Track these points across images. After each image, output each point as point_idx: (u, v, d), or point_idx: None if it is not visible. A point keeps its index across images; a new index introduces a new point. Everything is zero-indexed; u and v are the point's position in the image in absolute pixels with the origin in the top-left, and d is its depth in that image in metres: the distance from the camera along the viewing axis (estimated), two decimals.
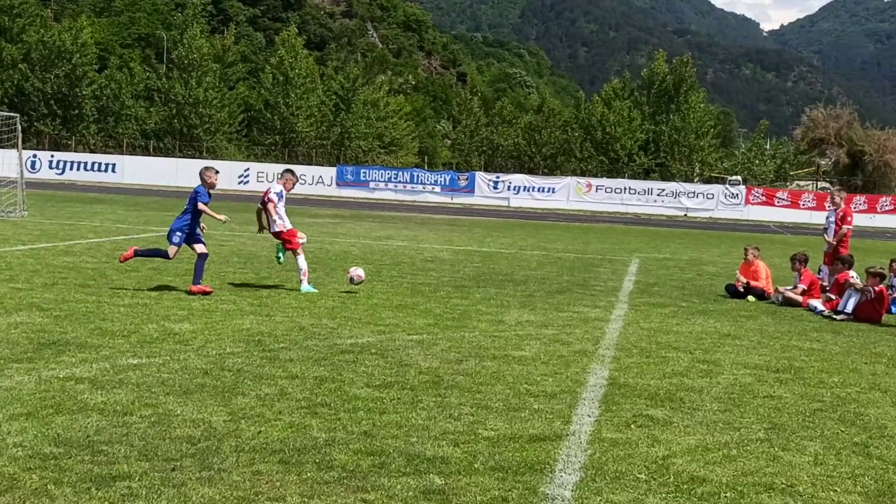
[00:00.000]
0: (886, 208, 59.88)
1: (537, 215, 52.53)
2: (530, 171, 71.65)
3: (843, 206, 18.17)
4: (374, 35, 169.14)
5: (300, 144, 77.54)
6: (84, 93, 76.49)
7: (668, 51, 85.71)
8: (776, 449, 7.18)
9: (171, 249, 14.17)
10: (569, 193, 61.41)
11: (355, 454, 6.53)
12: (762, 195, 61.53)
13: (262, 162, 71.51)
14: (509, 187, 62.68)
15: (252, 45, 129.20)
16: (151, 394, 7.87)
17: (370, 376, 9.00)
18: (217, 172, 14.73)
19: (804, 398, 9.02)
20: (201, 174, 14.49)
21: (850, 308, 14.90)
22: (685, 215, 59.46)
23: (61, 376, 8.30)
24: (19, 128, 29.85)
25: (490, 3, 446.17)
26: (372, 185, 63.76)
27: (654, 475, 6.40)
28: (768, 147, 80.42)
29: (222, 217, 14.56)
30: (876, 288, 14.90)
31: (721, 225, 52.44)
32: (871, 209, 58.54)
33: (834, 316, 15.02)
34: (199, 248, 14.13)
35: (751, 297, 16.75)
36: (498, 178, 63.85)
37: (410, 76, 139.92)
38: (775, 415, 8.27)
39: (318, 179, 63.96)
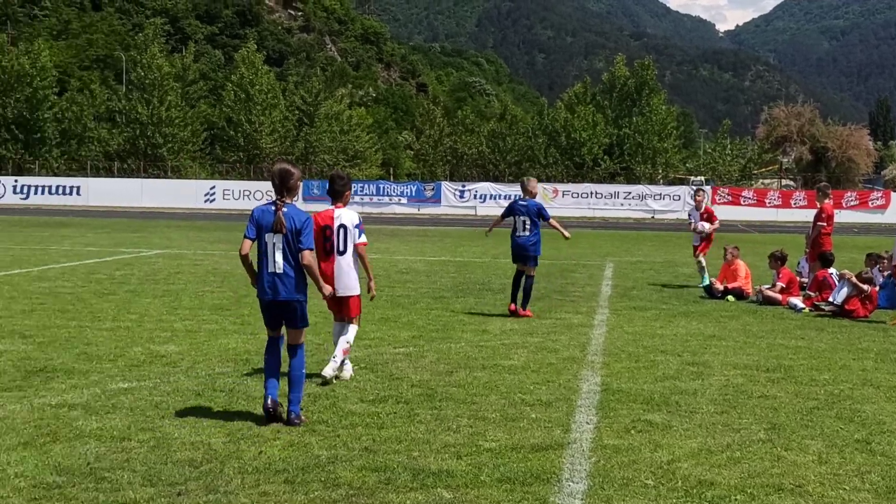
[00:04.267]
0: (852, 203, 60.47)
1: (506, 223, 52.49)
2: (496, 179, 71.73)
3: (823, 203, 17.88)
4: (333, 49, 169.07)
5: (265, 160, 77.16)
6: (45, 116, 75.72)
7: (625, 54, 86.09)
8: (779, 449, 7.21)
9: None
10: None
11: (360, 471, 6.49)
12: (728, 195, 61.96)
13: (227, 179, 71.11)
14: (476, 196, 62.73)
15: (211, 62, 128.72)
16: (147, 418, 7.78)
17: (363, 391, 8.96)
18: None
19: (799, 397, 9.07)
20: None
21: (839, 300, 15.02)
22: (653, 217, 59.78)
23: (53, 403, 8.19)
24: None
25: (446, 13, 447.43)
26: None
27: (662, 480, 6.41)
28: (729, 146, 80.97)
29: None
30: (870, 288, 15.06)
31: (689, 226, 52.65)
32: (837, 205, 59.00)
33: (823, 307, 15.15)
34: None
35: (730, 297, 16.85)
36: (464, 186, 63.89)
37: (371, 88, 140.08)
38: (773, 415, 8.31)
39: None
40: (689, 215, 19.96)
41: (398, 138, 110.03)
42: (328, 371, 9.19)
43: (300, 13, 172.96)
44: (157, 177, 71.29)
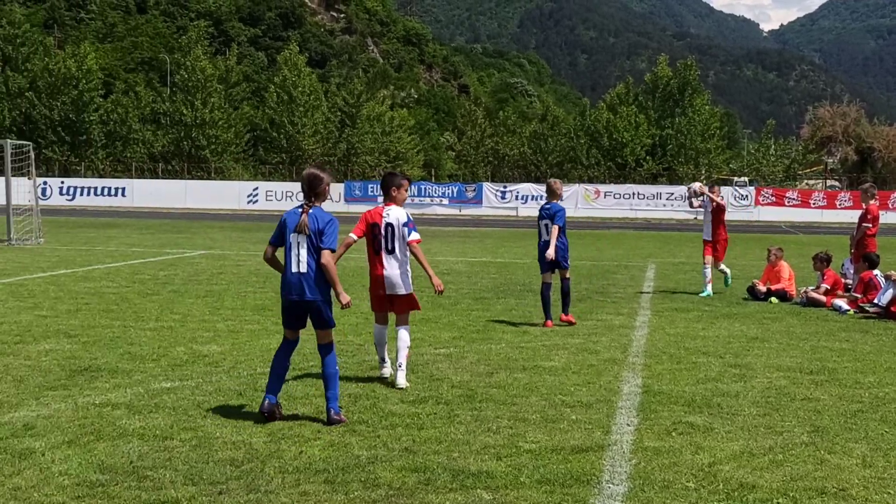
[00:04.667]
0: None
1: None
2: (537, 180, 71.58)
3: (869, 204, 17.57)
4: (375, 50, 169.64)
5: (307, 162, 77.60)
6: (91, 118, 76.75)
7: (668, 54, 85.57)
8: (822, 452, 7.13)
9: None
10: (577, 201, 61.25)
11: (399, 471, 6.50)
12: (772, 195, 61.39)
13: (269, 181, 71.66)
14: (517, 197, 62.68)
15: (254, 64, 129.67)
16: (189, 417, 7.84)
17: (403, 392, 8.98)
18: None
19: (842, 399, 8.96)
20: None
21: (884, 301, 14.83)
22: (696, 218, 59.29)
23: (97, 402, 8.28)
24: (32, 156, 29.92)
25: (488, 14, 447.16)
26: (380, 199, 63.54)
27: (703, 483, 6.36)
28: (773, 147, 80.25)
29: None
30: None
31: (732, 227, 52.00)
32: (883, 206, 58.27)
33: (867, 308, 14.97)
34: None
35: (773, 299, 16.69)
36: (506, 188, 63.83)
37: (412, 90, 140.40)
38: (816, 417, 8.22)
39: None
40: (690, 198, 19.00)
41: (440, 139, 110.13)
42: (401, 381, 9.11)
43: (342, 15, 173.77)
44: (201, 178, 71.92)
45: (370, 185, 65.37)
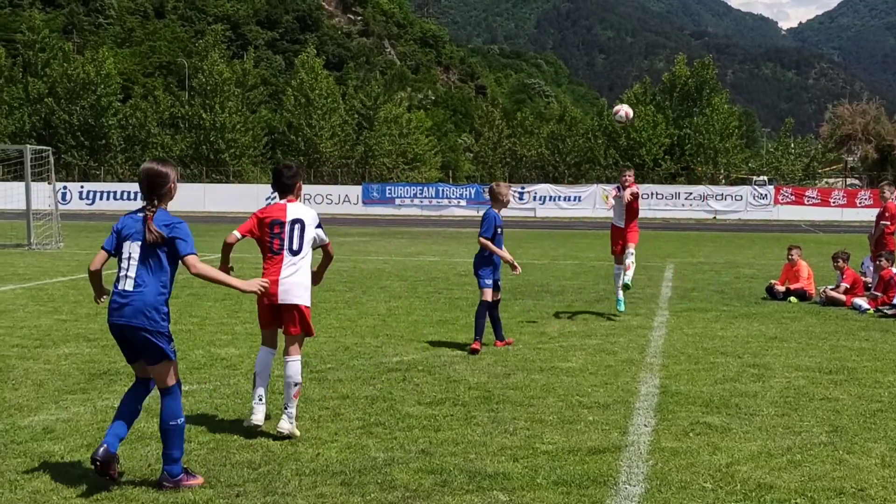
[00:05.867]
0: None
1: (565, 224, 52.40)
2: (555, 181, 71.52)
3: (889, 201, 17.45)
4: (392, 52, 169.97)
5: (325, 164, 77.81)
6: (110, 123, 77.15)
7: (686, 54, 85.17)
8: (841, 452, 7.09)
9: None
10: (595, 201, 61.16)
11: (416, 473, 6.51)
12: (791, 195, 61.12)
13: None
14: (535, 198, 62.65)
15: (272, 68, 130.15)
16: (207, 420, 7.87)
17: (420, 393, 8.98)
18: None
19: (862, 399, 8.91)
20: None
21: None
22: (714, 218, 59.16)
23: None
24: (52, 160, 30.11)
25: (505, 14, 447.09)
26: (398, 201, 63.89)
27: (720, 483, 6.34)
28: (792, 146, 79.90)
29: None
30: None
31: (752, 226, 52.12)
32: None
33: (886, 311, 14.88)
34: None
35: (792, 299, 16.61)
36: (523, 188, 63.77)
37: (430, 91, 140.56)
38: (835, 417, 8.18)
39: (344, 198, 64.23)
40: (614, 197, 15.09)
41: (457, 141, 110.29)
42: (284, 426, 7.38)
43: (359, 17, 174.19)
44: (219, 182, 72.18)
45: (388, 188, 65.50)
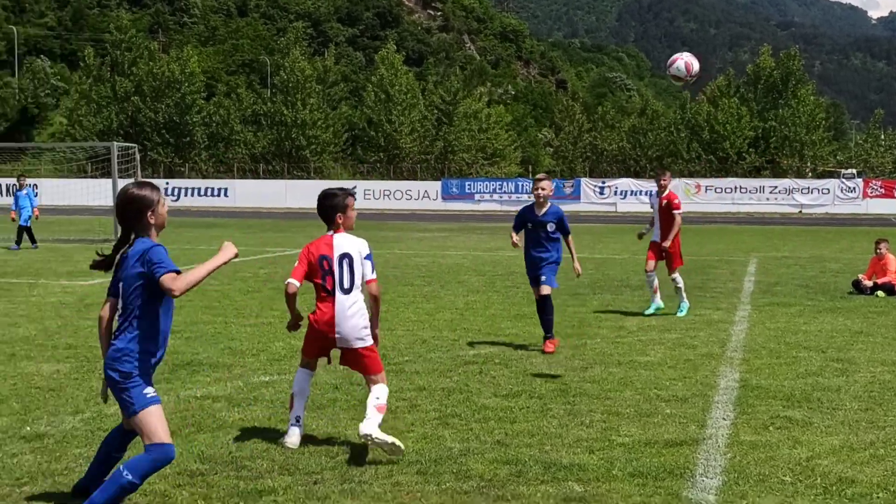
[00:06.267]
0: None
1: (646, 219, 51.70)
2: (636, 175, 70.80)
3: None
4: (472, 47, 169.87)
5: (405, 160, 78.20)
6: (194, 120, 78.50)
7: (772, 45, 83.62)
8: None
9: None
10: (678, 195, 60.34)
11: (491, 463, 6.53)
12: (881, 188, 59.63)
13: (368, 179, 72.39)
14: (616, 192, 62.10)
15: (352, 64, 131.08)
16: (286, 410, 7.98)
17: (497, 386, 9.01)
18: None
19: None
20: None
21: None
22: (800, 212, 58.01)
23: (198, 395, 8.51)
24: (137, 157, 30.79)
25: (586, 8, 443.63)
26: (477, 196, 63.86)
27: (800, 477, 6.25)
28: (883, 137, 77.92)
29: None
30: None
31: (839, 220, 51.00)
32: None
33: None
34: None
35: (880, 293, 16.25)
36: (604, 183, 63.28)
37: (509, 86, 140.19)
38: None
39: (423, 194, 64.41)
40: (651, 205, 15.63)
41: (537, 136, 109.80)
42: (367, 429, 6.63)
43: (439, 13, 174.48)
44: (301, 178, 72.96)
45: (467, 183, 65.53)
